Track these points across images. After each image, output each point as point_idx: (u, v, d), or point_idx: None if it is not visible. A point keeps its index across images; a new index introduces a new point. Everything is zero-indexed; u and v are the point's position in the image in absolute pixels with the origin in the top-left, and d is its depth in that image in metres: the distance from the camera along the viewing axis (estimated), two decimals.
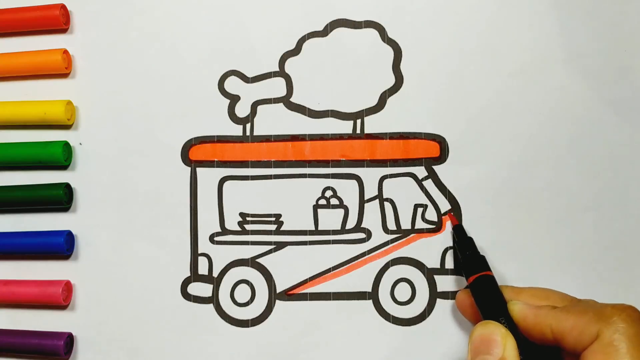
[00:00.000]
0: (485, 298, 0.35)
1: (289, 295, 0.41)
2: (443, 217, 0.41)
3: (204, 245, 0.42)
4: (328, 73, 0.41)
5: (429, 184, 0.41)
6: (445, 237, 0.41)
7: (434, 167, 0.41)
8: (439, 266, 0.41)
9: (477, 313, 0.36)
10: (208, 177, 0.42)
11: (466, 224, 0.41)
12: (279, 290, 0.41)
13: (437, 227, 0.41)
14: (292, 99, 0.42)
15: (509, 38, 0.41)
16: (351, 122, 0.41)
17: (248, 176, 0.42)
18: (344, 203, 0.41)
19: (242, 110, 0.42)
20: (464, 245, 0.39)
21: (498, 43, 0.41)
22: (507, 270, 0.40)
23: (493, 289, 0.36)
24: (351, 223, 0.41)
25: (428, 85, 0.41)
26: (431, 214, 0.41)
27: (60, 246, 0.41)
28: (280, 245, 0.41)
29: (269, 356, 0.41)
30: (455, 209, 0.41)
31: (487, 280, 0.36)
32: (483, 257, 0.38)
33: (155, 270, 0.41)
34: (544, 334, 0.32)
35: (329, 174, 0.41)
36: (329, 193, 0.41)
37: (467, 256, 0.38)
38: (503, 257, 0.40)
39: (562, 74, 0.41)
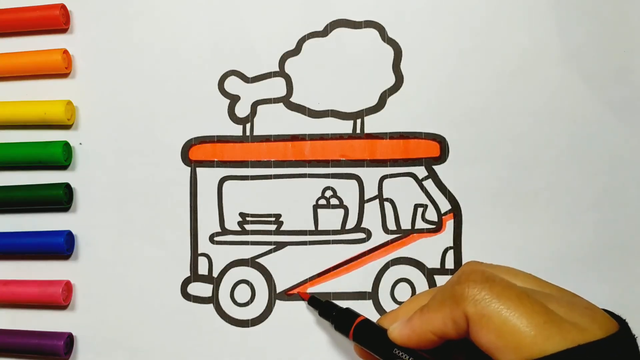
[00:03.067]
0: (371, 342, 0.34)
1: (289, 295, 0.41)
2: (443, 217, 0.41)
3: (204, 245, 0.42)
4: (328, 73, 0.42)
5: (429, 184, 0.41)
6: (445, 237, 0.41)
7: (434, 167, 0.41)
8: (439, 266, 0.41)
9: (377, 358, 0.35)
10: (208, 177, 0.42)
11: (466, 224, 0.41)
12: (278, 290, 0.41)
13: (437, 227, 0.41)
14: (292, 99, 0.42)
15: (508, 38, 0.41)
16: (351, 122, 0.41)
17: (248, 176, 0.42)
18: (344, 203, 0.41)
19: (242, 110, 0.42)
20: (327, 310, 0.38)
21: (498, 43, 0.41)
22: None
23: (372, 330, 0.35)
24: (351, 223, 0.41)
25: (428, 85, 0.41)
26: (431, 214, 0.41)
27: (60, 246, 0.41)
28: (280, 245, 0.41)
29: (269, 356, 0.41)
30: (455, 209, 0.41)
31: (363, 326, 0.35)
32: (348, 308, 0.37)
33: (155, 270, 0.41)
34: (431, 340, 0.31)
35: (329, 174, 0.41)
36: (329, 193, 0.41)
37: (334, 316, 0.37)
38: (503, 257, 0.40)
39: (561, 74, 0.41)
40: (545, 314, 0.27)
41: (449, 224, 0.41)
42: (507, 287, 0.28)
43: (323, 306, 0.39)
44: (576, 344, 0.26)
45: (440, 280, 0.41)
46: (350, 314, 0.37)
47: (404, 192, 0.41)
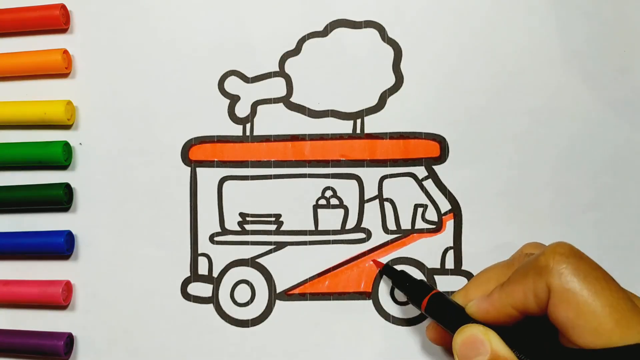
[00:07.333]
0: (444, 315, 0.34)
1: (288, 295, 0.41)
2: (443, 217, 0.41)
3: (204, 245, 0.42)
4: (328, 73, 0.42)
5: (429, 184, 0.41)
6: (445, 237, 0.41)
7: (434, 167, 0.41)
8: (439, 266, 0.41)
9: (449, 336, 0.34)
10: (208, 177, 0.42)
11: (466, 224, 0.41)
12: (278, 290, 0.41)
13: (437, 227, 0.41)
14: (292, 99, 0.42)
15: (508, 38, 0.41)
16: (351, 122, 0.41)
17: (248, 176, 0.42)
18: (344, 203, 0.41)
19: (242, 110, 0.42)
20: (401, 280, 0.38)
21: (498, 43, 0.41)
22: None
23: (445, 303, 0.34)
24: (351, 223, 0.41)
25: (428, 85, 0.41)
26: (431, 214, 0.41)
27: (60, 246, 0.41)
28: (280, 245, 0.41)
29: (269, 356, 0.41)
30: (455, 209, 0.41)
31: (437, 299, 0.35)
32: (422, 281, 0.37)
33: (155, 270, 0.41)
34: (511, 315, 0.30)
35: (329, 174, 0.41)
36: (329, 193, 0.41)
37: (408, 287, 0.37)
38: (503, 257, 0.40)
39: (561, 74, 0.41)
40: (630, 303, 0.26)
41: (449, 224, 0.41)
42: (594, 268, 0.28)
43: (397, 276, 0.38)
44: None
45: (441, 280, 0.41)
46: (425, 286, 0.37)
47: (404, 192, 0.41)
